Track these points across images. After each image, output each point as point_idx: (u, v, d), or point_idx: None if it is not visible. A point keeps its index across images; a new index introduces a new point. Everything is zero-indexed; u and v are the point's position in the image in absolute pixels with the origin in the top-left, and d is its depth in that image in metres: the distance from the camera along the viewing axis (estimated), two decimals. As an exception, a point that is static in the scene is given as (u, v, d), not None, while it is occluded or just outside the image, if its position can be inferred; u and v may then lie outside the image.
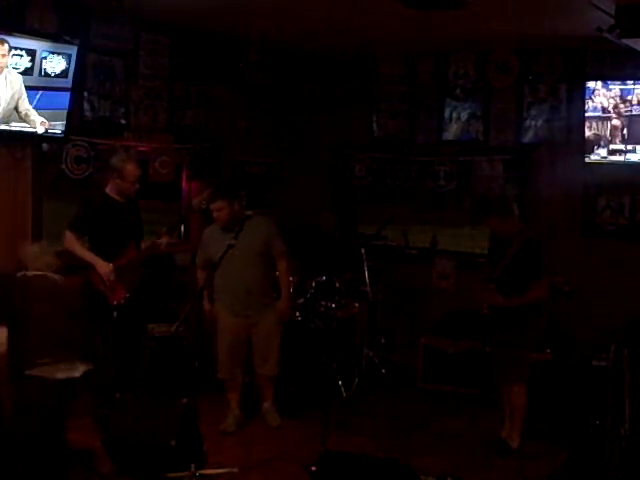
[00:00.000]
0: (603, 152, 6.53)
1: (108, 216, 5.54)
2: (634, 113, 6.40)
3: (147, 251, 5.76)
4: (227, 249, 5.08)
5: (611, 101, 6.46)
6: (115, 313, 5.43)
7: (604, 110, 6.50)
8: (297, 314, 6.41)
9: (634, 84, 6.38)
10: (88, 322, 5.47)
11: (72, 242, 5.50)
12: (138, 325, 5.83)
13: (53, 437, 4.42)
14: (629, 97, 6.42)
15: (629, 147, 6.46)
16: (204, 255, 5.67)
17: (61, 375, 4.66)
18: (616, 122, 6.48)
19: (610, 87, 6.46)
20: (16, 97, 5.38)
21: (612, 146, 6.52)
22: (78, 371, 4.77)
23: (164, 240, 5.75)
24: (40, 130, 5.58)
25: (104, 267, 5.43)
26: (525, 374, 5.42)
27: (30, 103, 5.47)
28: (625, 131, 6.46)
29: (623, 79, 6.43)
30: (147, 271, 5.80)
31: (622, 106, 6.44)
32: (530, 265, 5.27)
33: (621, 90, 6.43)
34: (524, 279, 5.26)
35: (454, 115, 7.42)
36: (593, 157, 6.59)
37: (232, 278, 5.57)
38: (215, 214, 5.58)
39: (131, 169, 5.59)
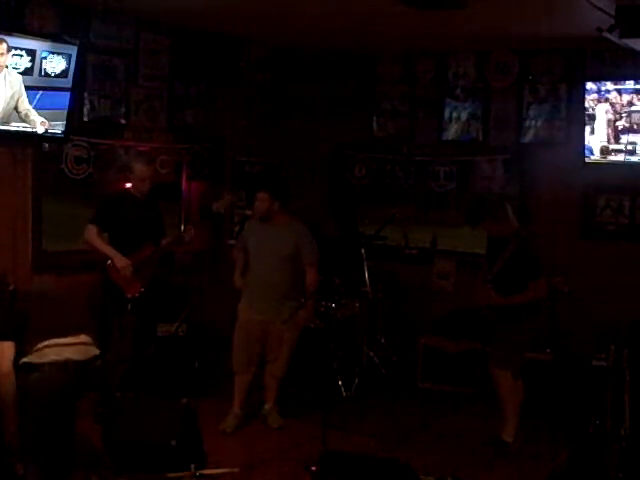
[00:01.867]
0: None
1: (127, 212, 5.72)
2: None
3: (166, 247, 5.89)
4: (228, 248, 5.27)
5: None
6: (129, 305, 5.58)
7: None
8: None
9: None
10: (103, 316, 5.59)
11: (93, 236, 5.64)
12: (149, 324, 5.87)
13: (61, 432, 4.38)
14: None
15: (629, 147, 6.46)
16: (242, 243, 5.95)
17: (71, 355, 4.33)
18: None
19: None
20: (16, 97, 5.38)
21: (612, 146, 6.52)
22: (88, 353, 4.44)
23: (188, 235, 5.98)
24: (40, 130, 5.58)
25: (121, 261, 5.57)
26: (516, 364, 5.41)
27: (30, 103, 5.47)
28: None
29: (623, 79, 6.44)
30: (161, 269, 5.87)
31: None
32: (527, 265, 5.27)
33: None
34: (521, 279, 5.26)
35: (454, 115, 7.41)
36: (593, 157, 6.59)
37: (257, 275, 5.75)
38: (256, 203, 5.79)
39: (139, 168, 5.79)
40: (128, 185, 5.87)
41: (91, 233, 5.64)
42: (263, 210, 5.74)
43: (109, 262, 5.60)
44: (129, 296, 5.58)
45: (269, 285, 5.70)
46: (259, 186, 5.84)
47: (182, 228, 6.22)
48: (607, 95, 6.48)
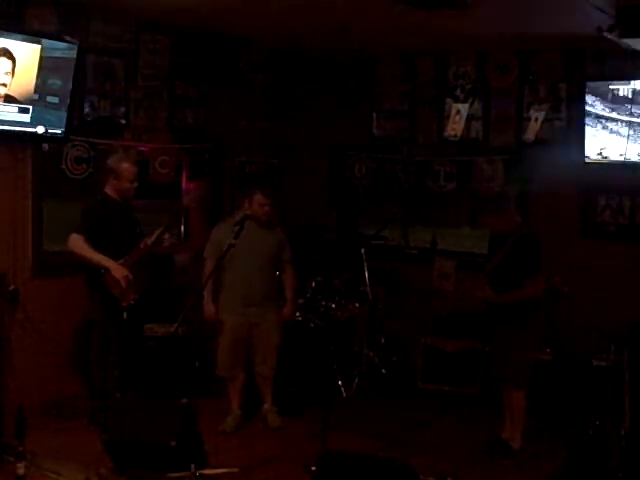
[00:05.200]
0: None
1: (110, 217, 5.48)
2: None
3: (149, 249, 5.72)
4: (228, 248, 5.21)
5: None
6: (125, 314, 5.48)
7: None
8: (297, 314, 6.41)
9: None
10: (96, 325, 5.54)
11: (80, 245, 5.34)
12: (139, 325, 5.86)
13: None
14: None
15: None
16: (215, 247, 5.63)
17: None
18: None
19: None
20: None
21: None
22: None
23: (154, 237, 5.67)
24: (40, 130, 5.58)
25: (119, 270, 5.35)
26: (525, 378, 5.39)
27: (30, 103, 5.48)
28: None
29: (623, 79, 6.43)
30: (149, 271, 5.82)
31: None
32: (524, 262, 5.25)
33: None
34: (518, 276, 5.24)
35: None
36: (593, 157, 6.59)
37: (239, 276, 5.67)
38: (257, 207, 5.64)
39: (126, 168, 5.51)
40: (106, 188, 5.56)
41: (78, 243, 5.33)
42: (268, 214, 5.70)
43: (103, 271, 5.34)
44: (125, 305, 5.45)
45: (254, 286, 5.67)
46: (260, 189, 5.73)
47: (159, 231, 5.76)
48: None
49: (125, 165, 5.52)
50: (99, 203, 5.54)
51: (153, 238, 5.67)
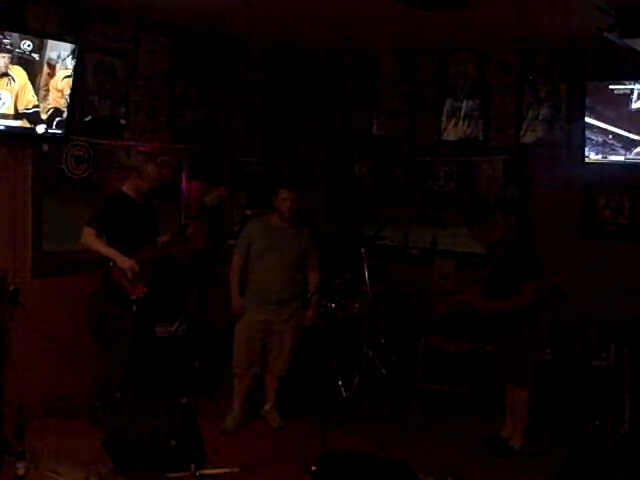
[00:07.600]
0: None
1: (125, 213, 5.62)
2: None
3: (167, 245, 5.84)
4: (227, 248, 5.26)
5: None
6: (134, 307, 5.54)
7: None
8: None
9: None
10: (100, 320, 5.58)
11: (91, 238, 5.52)
12: (149, 325, 5.87)
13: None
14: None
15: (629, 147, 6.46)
16: (244, 246, 5.85)
17: None
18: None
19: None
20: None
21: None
22: None
23: (167, 237, 5.87)
24: (40, 130, 5.58)
25: (126, 262, 5.47)
26: (528, 377, 5.39)
27: (31, 103, 5.47)
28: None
29: (623, 79, 6.43)
30: (161, 269, 5.86)
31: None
32: (518, 266, 5.24)
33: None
34: (513, 281, 5.23)
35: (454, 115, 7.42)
36: (593, 157, 6.59)
37: (259, 274, 5.74)
38: (285, 203, 5.69)
39: (152, 169, 5.72)
40: (124, 186, 5.74)
41: (90, 236, 5.51)
42: (294, 211, 5.71)
43: (111, 264, 5.50)
44: (133, 297, 5.52)
45: (273, 284, 5.70)
46: (286, 185, 5.76)
47: (182, 223, 6.07)
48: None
49: (150, 167, 5.73)
50: (113, 200, 5.72)
51: (166, 237, 5.85)
